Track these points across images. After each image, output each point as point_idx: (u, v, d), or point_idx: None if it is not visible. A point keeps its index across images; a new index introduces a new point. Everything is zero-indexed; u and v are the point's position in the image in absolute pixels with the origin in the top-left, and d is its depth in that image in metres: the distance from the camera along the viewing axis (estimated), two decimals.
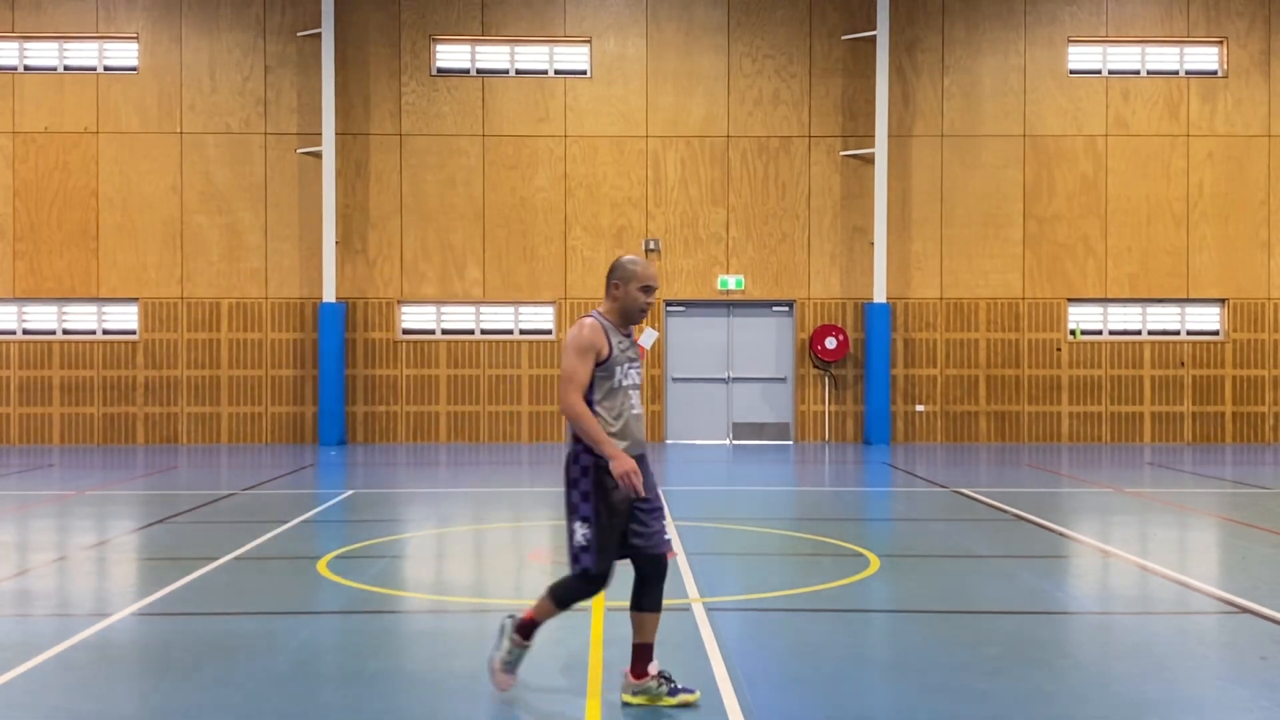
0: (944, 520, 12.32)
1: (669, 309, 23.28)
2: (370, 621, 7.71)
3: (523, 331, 23.28)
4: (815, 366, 23.21)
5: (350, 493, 14.88)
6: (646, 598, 5.81)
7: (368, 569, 9.32)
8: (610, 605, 7.85)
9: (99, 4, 23.02)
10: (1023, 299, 23.34)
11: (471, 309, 23.27)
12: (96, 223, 22.92)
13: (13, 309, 22.99)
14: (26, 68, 23.07)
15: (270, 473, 17.40)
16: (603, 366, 5.71)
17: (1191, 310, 23.62)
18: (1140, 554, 10.20)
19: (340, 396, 22.46)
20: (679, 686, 5.77)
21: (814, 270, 23.21)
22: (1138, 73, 23.56)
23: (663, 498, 5.48)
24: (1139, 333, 23.60)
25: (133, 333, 23.02)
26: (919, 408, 23.26)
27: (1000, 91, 23.38)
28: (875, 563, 9.57)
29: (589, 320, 5.77)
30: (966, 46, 23.39)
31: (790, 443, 23.16)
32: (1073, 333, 23.35)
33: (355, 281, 23.01)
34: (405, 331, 23.26)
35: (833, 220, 23.20)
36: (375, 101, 23.08)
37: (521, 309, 23.26)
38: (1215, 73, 23.58)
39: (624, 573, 5.84)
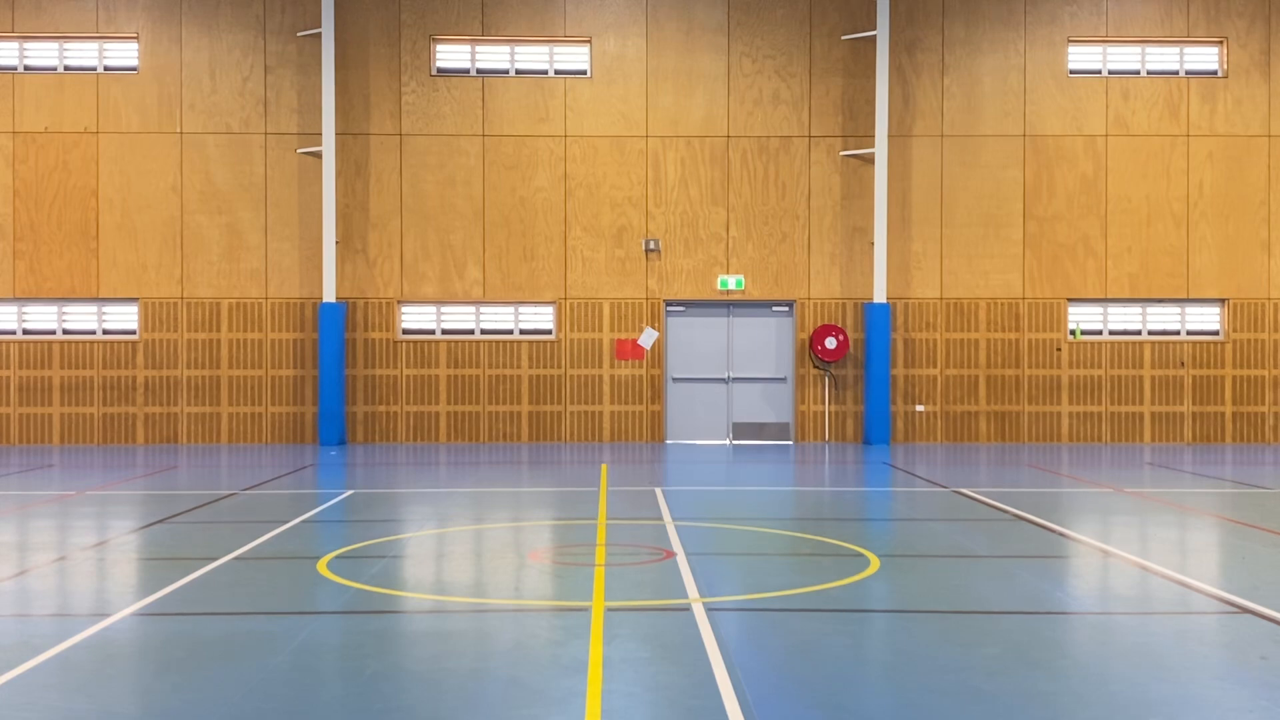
0: (944, 520, 12.32)
1: (669, 309, 23.28)
2: (370, 621, 7.71)
3: (523, 331, 23.28)
4: (815, 366, 23.21)
5: (350, 493, 14.88)
6: None
7: (368, 569, 9.32)
8: (610, 605, 7.85)
9: (99, 4, 23.02)
10: (1023, 299, 23.34)
11: (471, 309, 23.27)
12: (96, 223, 22.92)
13: (13, 309, 22.99)
14: (26, 68, 23.07)
15: (270, 473, 17.40)
16: None
17: (1191, 310, 23.62)
18: (1140, 554, 10.20)
19: (340, 396, 22.46)
20: None
21: (814, 270, 23.21)
22: (1138, 73, 23.56)
23: None
24: (1139, 333, 23.60)
25: (133, 333, 23.02)
26: (919, 408, 23.26)
27: (1000, 91, 23.38)
28: (875, 563, 9.57)
29: None
30: (966, 46, 23.38)
31: (790, 443, 23.15)
32: (1073, 333, 23.35)
33: (355, 281, 23.01)
34: (405, 331, 23.26)
35: (833, 220, 23.20)
36: (375, 101, 23.08)
37: (521, 309, 23.26)
38: (1215, 73, 23.58)
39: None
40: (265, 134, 22.98)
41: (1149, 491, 15.08)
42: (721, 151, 23.19)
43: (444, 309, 23.26)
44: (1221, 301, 23.50)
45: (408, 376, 23.10)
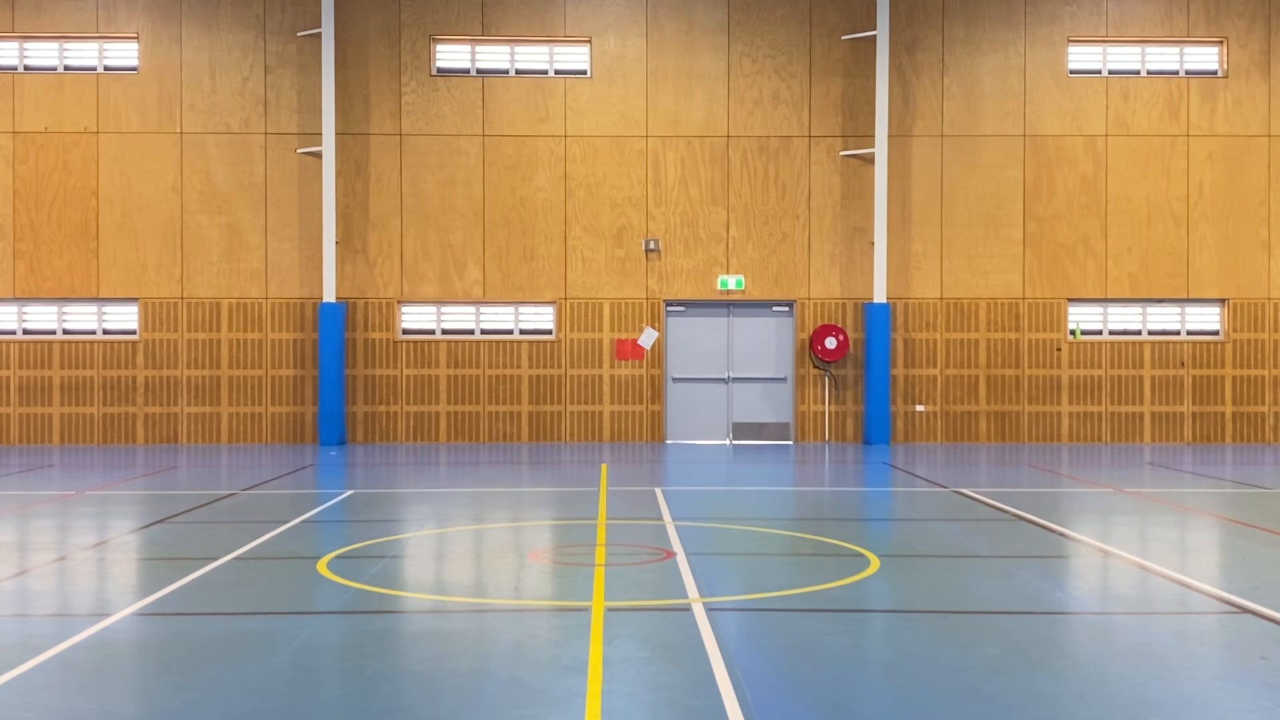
0: (944, 520, 12.32)
1: (669, 309, 23.28)
2: (370, 621, 7.71)
3: (523, 331, 23.28)
4: (815, 366, 23.21)
5: (350, 493, 14.88)
6: None
7: (368, 569, 9.32)
8: (610, 605, 7.85)
9: (99, 4, 23.02)
10: (1023, 299, 23.33)
11: (471, 309, 23.27)
12: (96, 223, 22.91)
13: (13, 309, 22.99)
14: (26, 68, 23.07)
15: (270, 473, 17.40)
16: None
17: (1191, 310, 23.62)
18: (1140, 554, 10.20)
19: (340, 396, 22.46)
20: None
21: (814, 270, 23.21)
22: (1138, 73, 23.56)
23: None
24: (1139, 333, 23.60)
25: (133, 333, 23.01)
26: (919, 408, 23.25)
27: (1000, 91, 23.38)
28: (875, 563, 9.57)
29: None
30: (966, 46, 23.38)
31: (790, 443, 23.15)
32: (1073, 333, 23.34)
33: (355, 281, 23.01)
34: (405, 331, 23.26)
35: (833, 220, 23.19)
36: (375, 101, 23.08)
37: (521, 309, 23.26)
38: (1215, 73, 23.57)
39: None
40: (265, 134, 22.98)
41: (1149, 491, 15.08)
42: (721, 151, 23.19)
43: (444, 309, 23.26)
44: (1221, 301, 23.50)
45: (408, 376, 23.10)
